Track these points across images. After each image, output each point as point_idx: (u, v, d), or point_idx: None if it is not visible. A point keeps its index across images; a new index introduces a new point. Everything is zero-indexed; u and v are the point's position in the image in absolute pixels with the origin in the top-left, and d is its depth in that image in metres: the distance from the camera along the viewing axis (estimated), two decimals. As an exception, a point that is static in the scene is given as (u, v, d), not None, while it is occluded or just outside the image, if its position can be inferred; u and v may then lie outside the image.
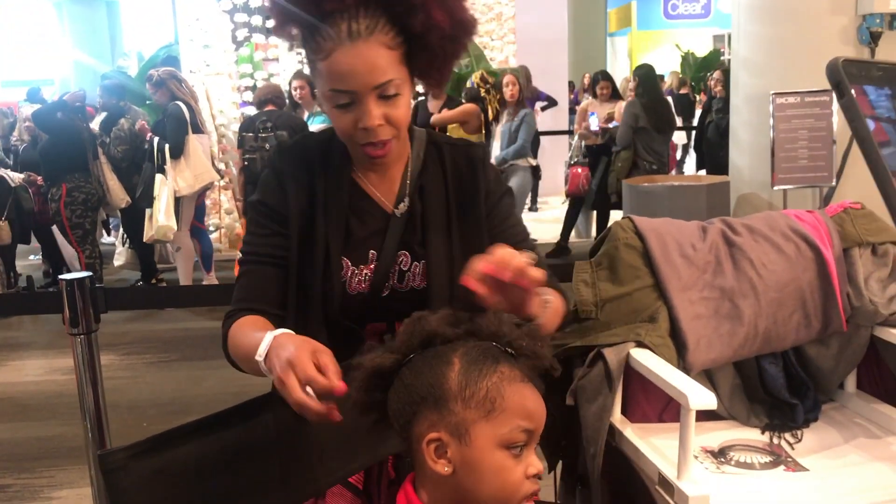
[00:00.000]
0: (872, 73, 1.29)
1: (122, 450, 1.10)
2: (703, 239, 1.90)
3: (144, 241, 6.09)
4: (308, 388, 1.04)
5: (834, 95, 4.25)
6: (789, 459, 1.73)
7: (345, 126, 1.28)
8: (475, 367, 0.99)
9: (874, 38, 4.19)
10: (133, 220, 6.33)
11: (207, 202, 7.09)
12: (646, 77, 6.54)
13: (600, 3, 15.87)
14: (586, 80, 10.30)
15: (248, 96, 7.88)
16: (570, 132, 9.07)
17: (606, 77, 7.50)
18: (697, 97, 12.43)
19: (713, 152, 7.87)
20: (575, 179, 7.16)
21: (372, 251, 1.36)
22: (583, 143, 7.23)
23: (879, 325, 1.88)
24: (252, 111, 6.32)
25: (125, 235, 6.75)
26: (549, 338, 1.16)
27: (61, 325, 2.23)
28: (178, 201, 5.90)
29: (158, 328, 5.55)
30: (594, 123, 7.11)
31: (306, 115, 6.27)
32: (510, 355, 1.02)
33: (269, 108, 5.80)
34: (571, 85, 11.92)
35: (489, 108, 6.59)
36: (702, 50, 16.76)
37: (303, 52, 1.32)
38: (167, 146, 5.81)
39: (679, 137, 10.21)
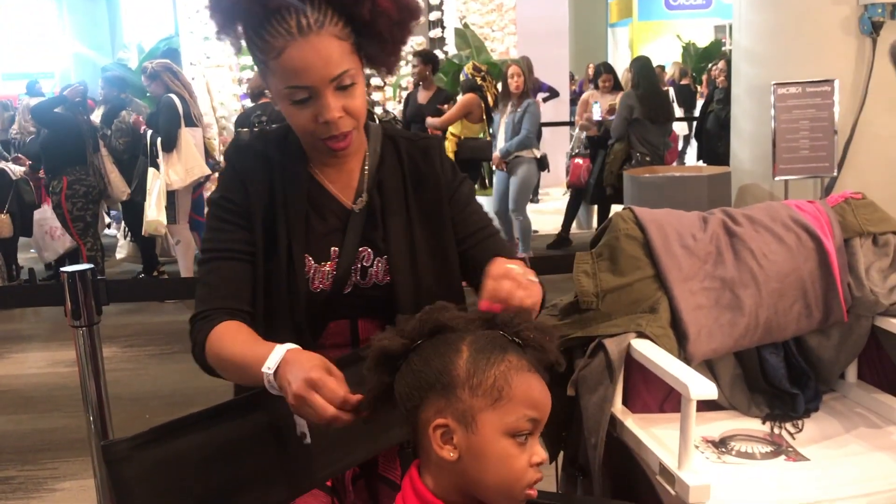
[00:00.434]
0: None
1: (125, 441, 1.11)
2: (703, 229, 1.90)
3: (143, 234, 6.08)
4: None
5: (835, 85, 4.23)
6: (790, 449, 1.74)
7: (304, 122, 1.27)
8: (483, 356, 1.00)
9: (876, 28, 4.16)
10: (133, 213, 6.32)
11: (206, 195, 7.08)
12: (642, 68, 6.52)
13: (601, -7, 15.82)
14: (590, 71, 10.25)
15: (249, 88, 7.88)
16: (571, 123, 9.04)
17: (609, 70, 7.48)
18: (699, 88, 12.39)
19: (712, 143, 7.86)
20: (576, 171, 7.15)
21: (334, 248, 1.35)
22: (584, 134, 7.22)
23: (880, 315, 1.88)
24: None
25: (127, 228, 6.75)
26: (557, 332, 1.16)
27: (63, 317, 2.23)
28: (173, 194, 5.86)
29: (160, 320, 5.55)
30: (597, 113, 7.09)
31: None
32: (518, 345, 1.03)
33: (264, 100, 5.78)
34: (572, 76, 11.88)
35: (488, 94, 6.51)
36: (703, 40, 16.70)
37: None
38: (159, 139, 5.79)
39: (681, 128, 10.19)
